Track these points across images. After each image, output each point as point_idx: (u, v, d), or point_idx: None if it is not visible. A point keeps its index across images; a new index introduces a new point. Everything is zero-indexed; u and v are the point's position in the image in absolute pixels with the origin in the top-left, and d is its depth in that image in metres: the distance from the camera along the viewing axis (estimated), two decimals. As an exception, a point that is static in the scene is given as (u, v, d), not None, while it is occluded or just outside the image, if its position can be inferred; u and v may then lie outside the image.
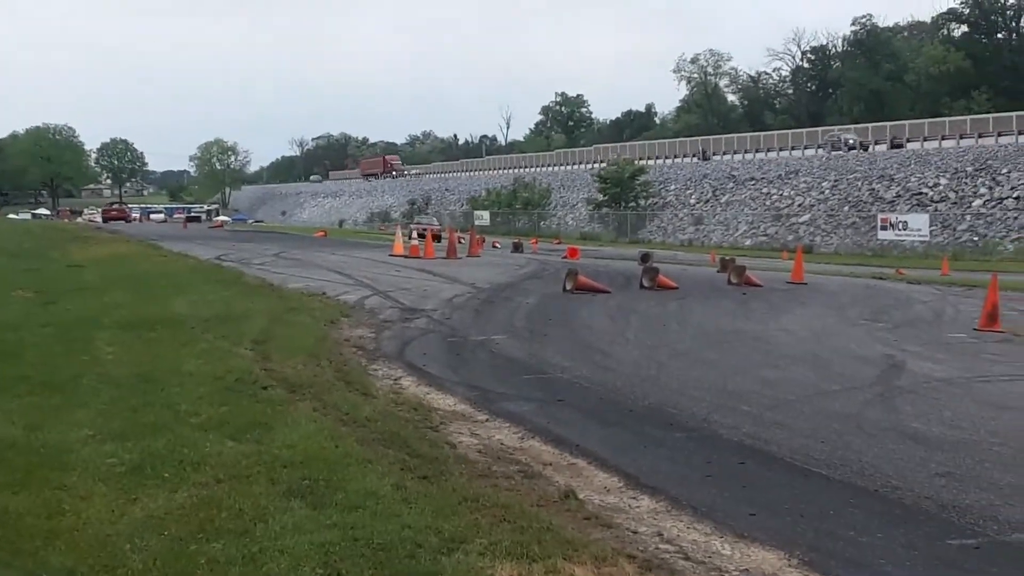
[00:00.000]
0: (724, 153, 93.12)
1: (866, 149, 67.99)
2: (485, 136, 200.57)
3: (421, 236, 45.91)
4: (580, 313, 19.60)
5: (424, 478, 7.27)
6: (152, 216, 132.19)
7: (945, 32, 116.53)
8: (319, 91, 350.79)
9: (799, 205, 71.56)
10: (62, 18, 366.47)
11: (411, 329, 16.85)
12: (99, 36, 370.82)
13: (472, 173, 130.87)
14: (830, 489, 7.70)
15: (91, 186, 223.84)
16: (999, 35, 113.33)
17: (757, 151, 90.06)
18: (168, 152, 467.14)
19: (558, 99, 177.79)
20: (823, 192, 70.86)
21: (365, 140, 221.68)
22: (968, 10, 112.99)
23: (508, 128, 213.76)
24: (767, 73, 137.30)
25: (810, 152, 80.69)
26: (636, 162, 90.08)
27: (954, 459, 8.57)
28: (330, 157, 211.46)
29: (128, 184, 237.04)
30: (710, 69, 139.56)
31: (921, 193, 63.84)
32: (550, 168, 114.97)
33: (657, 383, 12.21)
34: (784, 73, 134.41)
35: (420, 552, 5.74)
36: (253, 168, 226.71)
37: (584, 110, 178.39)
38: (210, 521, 6.14)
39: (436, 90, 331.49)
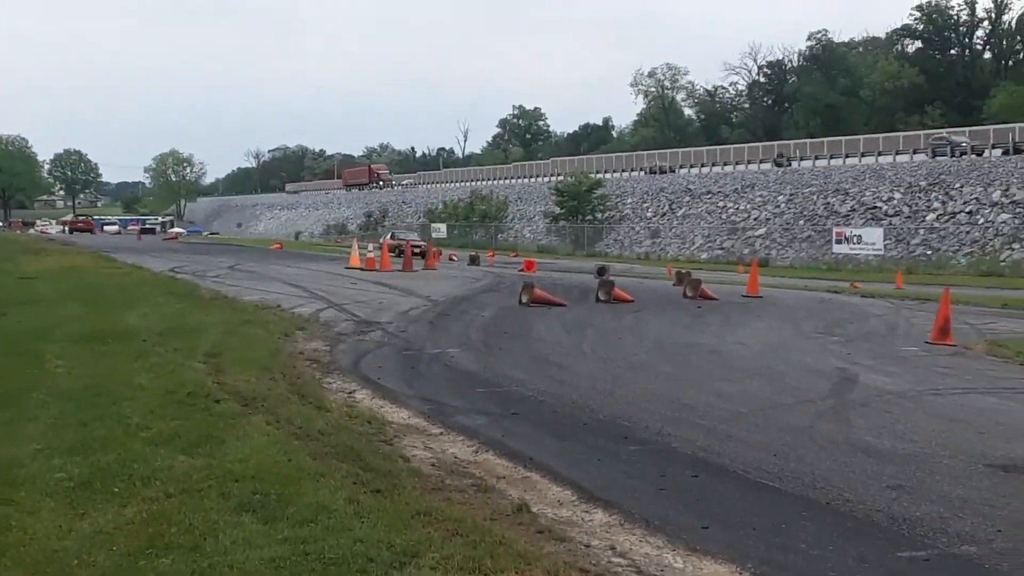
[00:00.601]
0: (681, 167, 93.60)
1: (980, 155, 67.14)
2: (443, 149, 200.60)
3: (402, 252, 45.59)
4: (536, 326, 19.61)
5: (377, 492, 7.23)
6: (106, 228, 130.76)
7: (899, 48, 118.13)
8: (276, 103, 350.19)
9: (755, 219, 71.98)
10: (13, 27, 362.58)
11: (366, 342, 16.79)
12: (53, 46, 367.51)
13: (431, 186, 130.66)
14: (782, 502, 7.73)
15: (44, 197, 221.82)
16: (952, 51, 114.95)
17: (714, 165, 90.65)
18: (123, 164, 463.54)
19: (516, 112, 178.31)
20: (779, 206, 71.32)
21: (322, 152, 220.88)
22: (922, 26, 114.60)
23: (466, 141, 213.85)
24: (724, 87, 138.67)
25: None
26: (593, 175, 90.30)
27: (905, 472, 8.62)
28: (287, 169, 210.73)
29: (82, 196, 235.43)
30: (667, 83, 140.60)
31: (876, 207, 64.39)
32: (507, 181, 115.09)
33: (612, 396, 12.23)
34: (740, 87, 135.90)
35: (372, 566, 5.71)
36: (209, 180, 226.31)
37: (542, 123, 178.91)
38: (160, 536, 6.08)
39: (393, 102, 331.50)
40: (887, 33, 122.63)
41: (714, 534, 6.84)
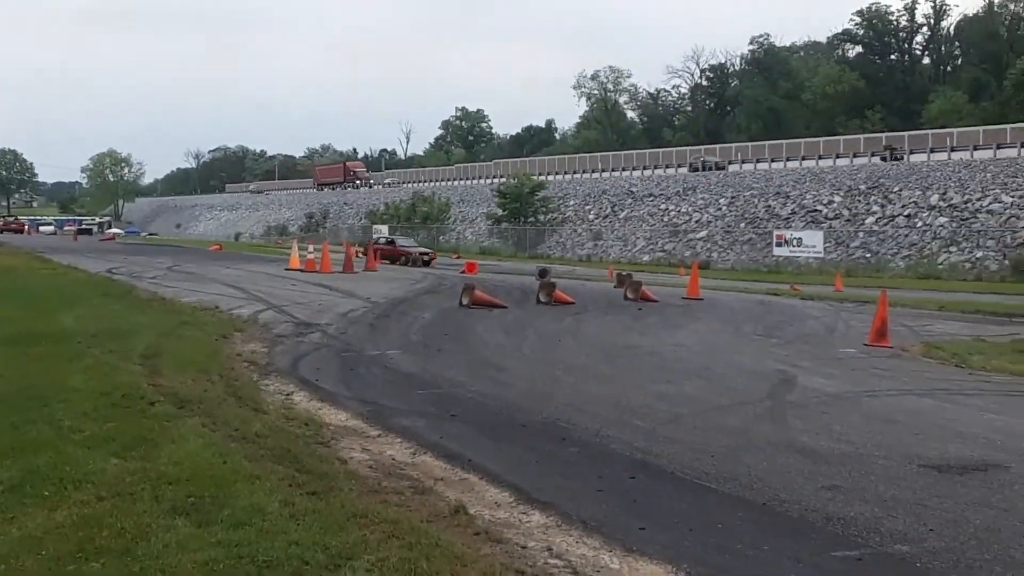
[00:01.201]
0: (623, 169, 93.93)
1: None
2: (385, 150, 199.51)
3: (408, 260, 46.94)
4: (476, 328, 19.59)
5: (313, 494, 7.17)
6: (41, 228, 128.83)
7: (840, 52, 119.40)
8: (216, 104, 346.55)
9: (696, 221, 72.47)
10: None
11: (305, 344, 16.69)
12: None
13: (373, 187, 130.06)
14: (719, 503, 7.75)
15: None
16: (892, 56, 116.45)
17: (656, 167, 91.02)
18: (59, 163, 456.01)
19: (458, 114, 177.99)
20: (720, 209, 71.86)
21: (263, 153, 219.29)
22: (862, 31, 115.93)
23: (408, 142, 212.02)
24: (666, 90, 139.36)
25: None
26: (536, 177, 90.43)
27: (841, 472, 8.68)
28: (227, 169, 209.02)
29: (17, 195, 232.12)
30: (610, 85, 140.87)
31: (816, 210, 65.08)
32: (450, 182, 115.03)
33: (551, 398, 12.23)
34: (683, 90, 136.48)
35: (306, 569, 5.66)
36: (148, 180, 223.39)
37: (484, 125, 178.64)
38: (90, 540, 5.98)
39: (335, 103, 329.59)
40: (828, 38, 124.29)
41: (651, 535, 6.85)
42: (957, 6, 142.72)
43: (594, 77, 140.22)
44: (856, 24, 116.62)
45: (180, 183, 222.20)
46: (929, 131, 77.17)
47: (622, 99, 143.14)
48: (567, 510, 7.38)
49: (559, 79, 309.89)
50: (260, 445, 8.71)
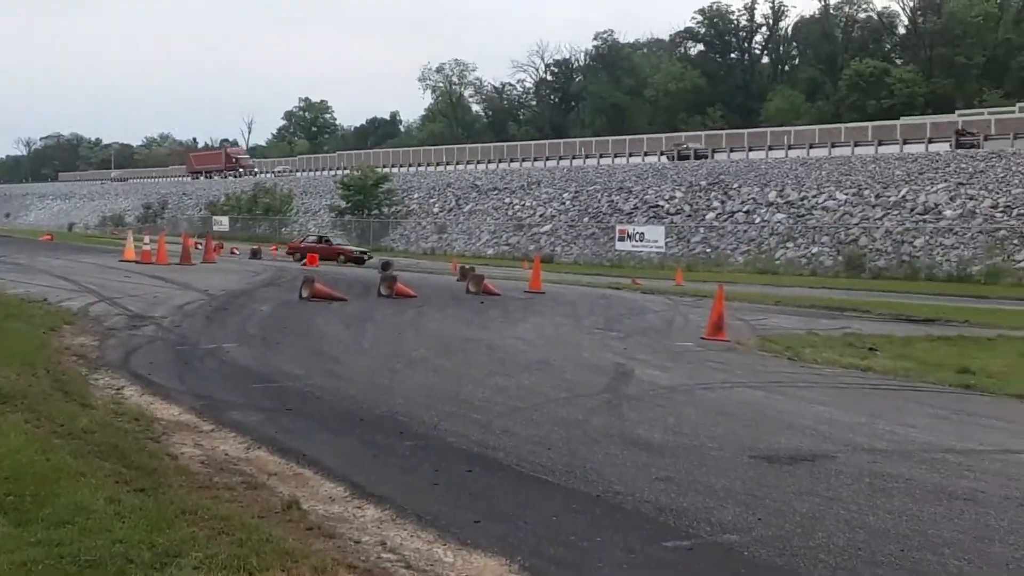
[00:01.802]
0: (468, 162, 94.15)
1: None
2: (226, 140, 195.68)
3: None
4: (315, 321, 19.39)
5: (141, 491, 6.99)
6: None
7: (682, 50, 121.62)
8: (47, 89, 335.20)
9: (540, 215, 73.00)
10: None
11: (138, 337, 16.26)
12: None
13: (210, 177, 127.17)
14: (554, 495, 7.78)
15: None
16: (732, 55, 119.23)
17: (500, 161, 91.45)
18: None
19: (301, 104, 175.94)
20: (564, 203, 72.50)
21: (99, 141, 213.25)
22: (704, 30, 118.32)
23: (250, 133, 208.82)
24: (511, 84, 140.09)
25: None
26: (380, 169, 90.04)
27: (674, 464, 8.81)
28: (60, 157, 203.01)
29: None
30: (455, 79, 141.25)
31: (658, 205, 66.15)
32: (292, 174, 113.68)
33: (390, 391, 12.16)
34: (528, 85, 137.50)
35: (131, 568, 5.50)
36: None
37: (328, 116, 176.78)
38: (-103, 542, 5.72)
39: (174, 92, 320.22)
40: (671, 35, 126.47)
41: (486, 528, 6.85)
42: (795, 7, 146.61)
43: (439, 70, 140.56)
44: (698, 22, 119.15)
45: (10, 171, 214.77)
46: (767, 128, 79.17)
47: (467, 92, 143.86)
48: (402, 504, 7.33)
49: (404, 72, 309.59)
50: (87, 441, 8.46)
